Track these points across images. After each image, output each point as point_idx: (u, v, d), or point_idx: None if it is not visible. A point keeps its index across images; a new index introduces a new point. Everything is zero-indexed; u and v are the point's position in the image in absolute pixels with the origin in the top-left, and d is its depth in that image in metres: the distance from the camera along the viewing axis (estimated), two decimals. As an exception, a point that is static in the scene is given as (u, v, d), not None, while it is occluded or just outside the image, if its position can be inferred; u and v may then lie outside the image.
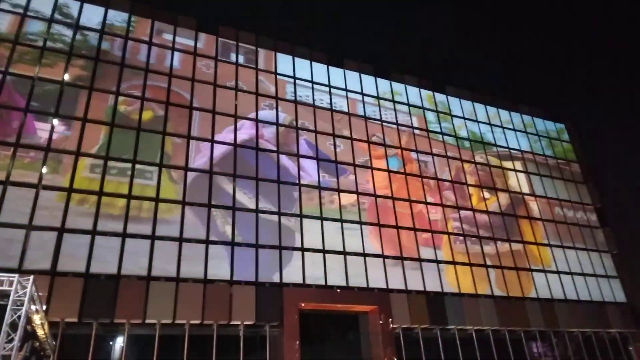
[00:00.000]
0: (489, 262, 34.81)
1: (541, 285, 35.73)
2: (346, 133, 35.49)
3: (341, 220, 31.45)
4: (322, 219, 30.90)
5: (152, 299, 23.92)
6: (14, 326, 14.92)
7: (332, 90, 37.17)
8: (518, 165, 42.43)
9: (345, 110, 36.73)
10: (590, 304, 36.80)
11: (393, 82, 40.66)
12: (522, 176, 41.82)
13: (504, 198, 39.32)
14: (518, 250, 36.77)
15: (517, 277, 35.24)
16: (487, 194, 38.73)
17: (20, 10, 28.55)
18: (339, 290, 28.74)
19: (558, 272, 37.32)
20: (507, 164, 41.81)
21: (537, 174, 42.83)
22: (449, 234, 34.72)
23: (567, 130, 48.55)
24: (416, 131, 39.02)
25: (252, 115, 32.65)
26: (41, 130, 25.76)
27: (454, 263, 33.51)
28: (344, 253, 30.32)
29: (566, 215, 41.44)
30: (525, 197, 40.49)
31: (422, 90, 41.71)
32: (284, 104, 34.29)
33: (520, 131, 45.16)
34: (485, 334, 32.01)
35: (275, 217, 29.55)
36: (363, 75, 39.50)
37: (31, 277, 15.46)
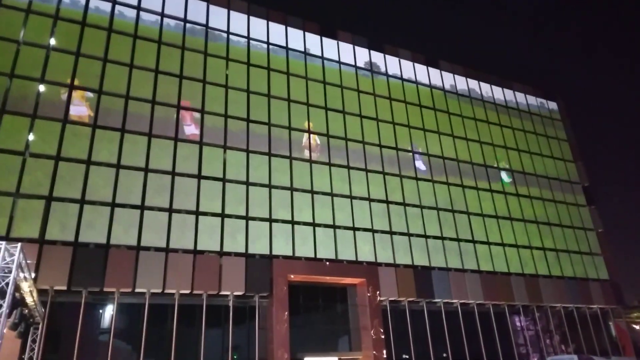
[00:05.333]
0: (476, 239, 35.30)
1: (526, 261, 36.45)
2: (338, 107, 35.15)
3: (331, 195, 31.49)
4: (312, 192, 30.90)
5: (141, 268, 23.97)
6: (2, 293, 14.88)
7: (325, 62, 36.62)
8: (510, 142, 42.54)
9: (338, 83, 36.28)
10: (573, 281, 37.70)
11: (387, 56, 40.18)
12: (512, 153, 42.01)
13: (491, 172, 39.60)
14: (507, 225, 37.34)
15: (504, 252, 35.85)
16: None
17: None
18: (327, 263, 29.03)
19: (544, 249, 38.01)
20: (499, 141, 41.88)
21: (527, 151, 43.05)
22: (439, 209, 34.99)
23: (559, 108, 48.66)
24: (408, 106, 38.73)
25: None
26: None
27: (442, 238, 33.91)
28: (334, 227, 30.49)
29: (554, 193, 41.92)
30: (515, 173, 40.82)
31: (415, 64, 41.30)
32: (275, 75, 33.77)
33: (512, 108, 45.13)
34: (470, 307, 32.78)
35: (266, 189, 29.50)
36: (357, 48, 38.92)
37: (19, 245, 15.32)
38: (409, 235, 32.82)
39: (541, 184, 41.84)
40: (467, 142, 39.94)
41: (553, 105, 48.69)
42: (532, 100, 47.33)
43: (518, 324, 34.55)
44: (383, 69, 39.44)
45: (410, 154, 36.42)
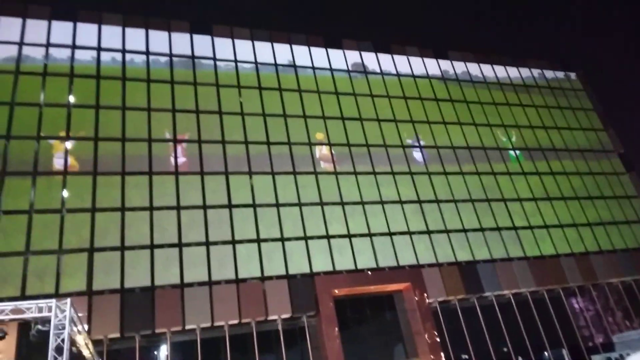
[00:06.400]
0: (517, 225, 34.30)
1: (574, 240, 35.16)
2: (354, 114, 35.05)
3: (362, 203, 31.23)
4: (342, 203, 30.72)
5: (188, 305, 24.21)
6: (59, 350, 15.22)
7: (335, 72, 36.70)
8: (535, 121, 41.46)
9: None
10: (626, 252, 36.10)
11: (395, 56, 39.98)
12: (539, 131, 40.91)
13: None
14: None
15: (548, 234, 34.69)
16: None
17: (17, 40, 28.73)
18: (369, 273, 28.67)
19: (589, 224, 36.61)
20: (523, 122, 40.89)
21: (554, 127, 41.85)
22: (473, 201, 34.22)
23: (579, 78, 47.25)
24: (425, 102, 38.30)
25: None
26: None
27: (482, 230, 33.08)
28: (370, 235, 30.17)
29: (589, 165, 40.52)
30: (546, 152, 39.68)
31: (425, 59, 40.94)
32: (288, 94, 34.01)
33: (531, 86, 44.07)
34: (523, 297, 31.69)
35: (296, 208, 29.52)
36: (363, 53, 38.89)
37: (68, 300, 15.68)
38: (448, 231, 32.16)
39: (574, 157, 40.50)
40: (491, 127, 39.13)
41: (573, 76, 47.30)
42: (551, 74, 46.13)
43: (576, 305, 33.19)
44: (393, 70, 39.21)
45: (435, 149, 35.88)
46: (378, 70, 38.50)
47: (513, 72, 44.31)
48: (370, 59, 38.88)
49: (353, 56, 38.43)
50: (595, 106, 45.42)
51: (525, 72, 44.96)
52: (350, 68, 37.56)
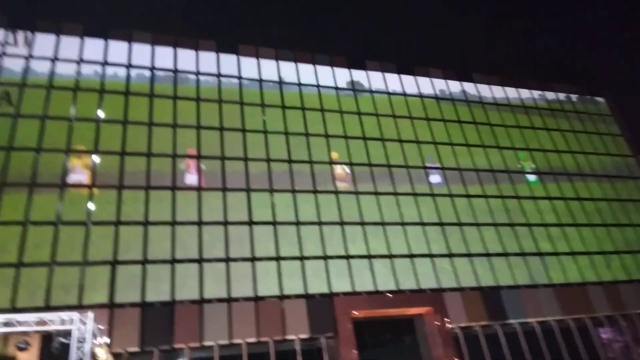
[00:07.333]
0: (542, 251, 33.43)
1: (601, 267, 34.06)
2: (376, 134, 35.06)
3: (383, 224, 30.94)
4: (362, 223, 30.48)
5: (207, 321, 24.13)
6: (80, 363, 15.26)
7: (357, 93, 36.90)
8: (561, 145, 40.78)
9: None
10: (656, 282, 34.74)
11: (418, 77, 40.02)
12: (565, 156, 40.18)
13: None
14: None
15: (575, 261, 33.69)
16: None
17: (50, 55, 29.74)
18: (390, 295, 28.18)
19: (618, 252, 35.45)
20: (549, 146, 40.24)
21: (580, 151, 41.05)
22: (497, 225, 33.56)
23: (608, 104, 46.40)
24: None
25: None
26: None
27: (506, 255, 32.32)
28: (390, 256, 29.77)
29: (618, 191, 39.47)
30: (573, 176, 38.86)
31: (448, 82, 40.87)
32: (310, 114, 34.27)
33: (557, 110, 43.48)
34: (549, 325, 30.66)
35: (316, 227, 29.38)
36: (386, 74, 39.03)
37: (90, 313, 15.77)
38: (470, 255, 31.52)
39: (601, 182, 39.54)
40: (515, 151, 38.62)
41: (600, 100, 46.51)
42: (576, 98, 45.48)
43: (604, 336, 31.94)
44: (416, 91, 39.20)
45: (457, 171, 35.50)
46: (400, 91, 38.52)
47: (538, 95, 43.85)
48: (392, 80, 38.96)
49: (375, 77, 38.59)
50: (623, 131, 44.46)
51: (550, 95, 44.45)
52: (372, 88, 37.71)
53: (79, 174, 26.55)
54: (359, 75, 38.13)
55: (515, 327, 29.86)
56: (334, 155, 32.91)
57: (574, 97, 45.33)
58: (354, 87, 37.18)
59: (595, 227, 36.21)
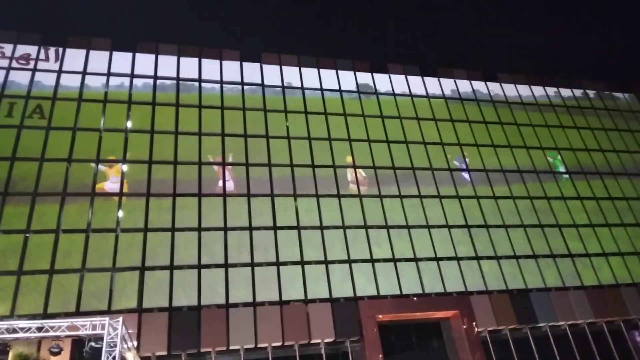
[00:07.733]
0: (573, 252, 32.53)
1: (635, 268, 32.85)
2: (400, 137, 34.93)
3: (407, 227, 30.74)
4: (387, 227, 30.36)
5: (233, 325, 24.48)
6: (110, 366, 15.76)
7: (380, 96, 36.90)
8: (591, 144, 39.62)
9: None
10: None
11: (442, 79, 39.68)
12: (596, 154, 39.02)
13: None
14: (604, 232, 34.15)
15: (607, 262, 32.62)
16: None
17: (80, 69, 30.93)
18: (415, 299, 27.96)
19: (653, 253, 34.12)
20: (578, 145, 39.18)
21: (612, 150, 39.79)
22: (525, 226, 32.87)
23: (639, 98, 44.88)
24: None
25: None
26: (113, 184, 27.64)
27: (535, 257, 31.59)
28: (415, 259, 29.54)
29: (653, 190, 38.02)
30: (603, 175, 37.69)
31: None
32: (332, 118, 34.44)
33: (586, 108, 42.31)
34: (581, 328, 29.75)
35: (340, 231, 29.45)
36: (409, 77, 38.86)
37: (120, 318, 16.27)
38: (498, 257, 30.95)
39: (634, 181, 38.19)
40: (543, 150, 37.76)
41: (629, 97, 44.98)
42: (607, 95, 44.13)
43: (638, 339, 30.77)
44: (439, 92, 38.88)
45: (484, 172, 34.97)
46: (423, 93, 38.28)
47: (566, 93, 42.78)
48: (415, 82, 38.76)
49: (398, 80, 38.48)
50: (657, 127, 42.86)
51: (578, 93, 43.32)
52: (395, 91, 37.61)
53: (113, 182, 27.45)
54: (381, 79, 38.09)
55: (546, 331, 29.13)
56: (349, 160, 32.96)
57: (603, 93, 44.01)
58: (377, 91, 37.16)
59: (628, 226, 35.00)
